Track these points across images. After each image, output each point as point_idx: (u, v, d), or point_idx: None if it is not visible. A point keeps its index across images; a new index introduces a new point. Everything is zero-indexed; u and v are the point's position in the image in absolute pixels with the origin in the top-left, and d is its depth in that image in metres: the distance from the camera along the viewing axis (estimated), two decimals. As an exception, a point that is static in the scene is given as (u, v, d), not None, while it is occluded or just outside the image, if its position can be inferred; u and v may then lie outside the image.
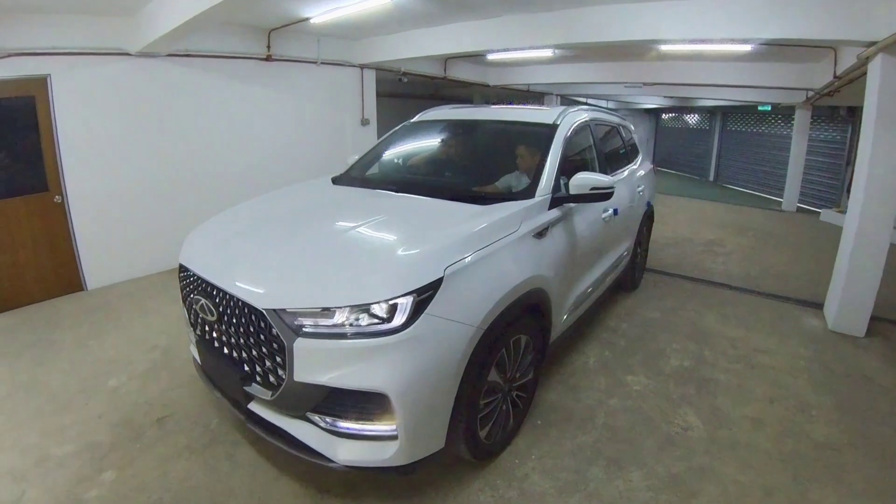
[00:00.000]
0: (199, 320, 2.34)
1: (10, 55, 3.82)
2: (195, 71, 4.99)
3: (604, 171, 3.58)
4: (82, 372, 3.31)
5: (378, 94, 7.22)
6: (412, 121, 3.83)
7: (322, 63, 6.19)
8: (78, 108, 4.28)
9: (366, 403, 1.89)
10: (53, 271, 4.37)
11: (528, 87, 9.71)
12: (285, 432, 2.06)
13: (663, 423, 2.79)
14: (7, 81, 3.91)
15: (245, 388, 2.13)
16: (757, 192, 12.56)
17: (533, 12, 4.82)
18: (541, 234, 2.58)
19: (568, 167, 3.00)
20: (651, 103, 14.36)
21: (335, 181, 3.31)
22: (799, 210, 9.84)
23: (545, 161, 2.87)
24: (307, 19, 4.96)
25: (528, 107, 3.60)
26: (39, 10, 3.83)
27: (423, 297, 1.89)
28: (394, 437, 1.91)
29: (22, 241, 4.16)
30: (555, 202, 2.75)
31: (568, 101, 12.03)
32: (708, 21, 4.08)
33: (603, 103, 14.30)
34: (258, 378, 2.09)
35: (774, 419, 2.84)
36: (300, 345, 1.86)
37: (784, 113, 11.06)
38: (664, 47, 5.65)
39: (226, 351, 2.22)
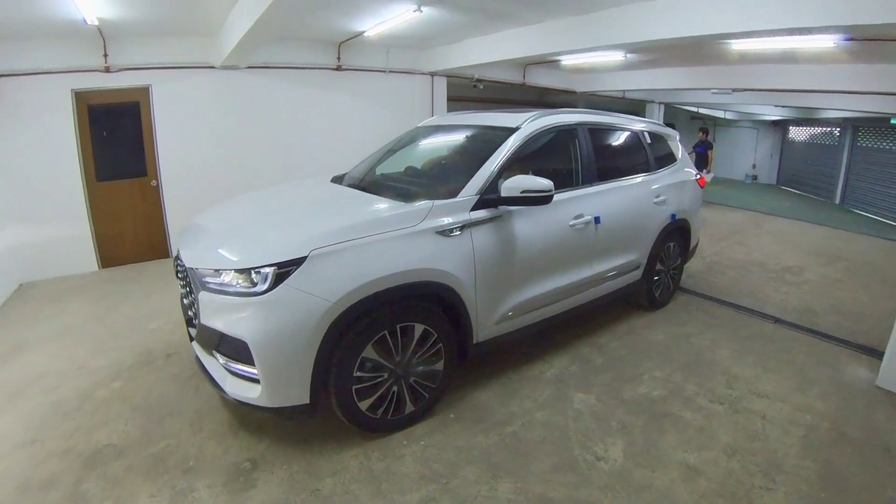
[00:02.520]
0: None
1: (121, 70, 5.04)
2: (271, 80, 5.89)
3: (588, 177, 3.43)
4: (138, 315, 4.30)
5: (469, 100, 7.48)
6: (418, 125, 4.05)
7: (391, 72, 6.73)
8: (172, 111, 5.40)
9: (239, 348, 2.25)
10: (147, 240, 5.56)
11: (623, 93, 9.15)
12: (203, 365, 2.57)
13: (578, 447, 2.57)
14: (120, 90, 5.15)
15: (189, 328, 2.72)
16: (886, 218, 10.23)
17: (586, 13, 4.65)
18: (450, 231, 2.63)
19: (527, 170, 3.00)
20: (774, 114, 12.35)
21: (333, 179, 3.65)
22: (925, 242, 7.73)
23: (483, 163, 2.90)
24: (362, 33, 5.49)
25: (511, 111, 3.56)
26: (143, 33, 4.94)
27: (284, 270, 2.21)
28: (258, 381, 2.25)
29: (125, 214, 5.39)
30: (483, 203, 2.76)
31: (672, 109, 10.98)
32: (770, 9, 3.53)
33: (720, 113, 12.71)
34: (193, 321, 2.61)
35: (719, 474, 2.39)
36: (203, 296, 2.36)
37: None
38: (737, 47, 4.99)
39: (183, 299, 2.84)
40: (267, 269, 2.20)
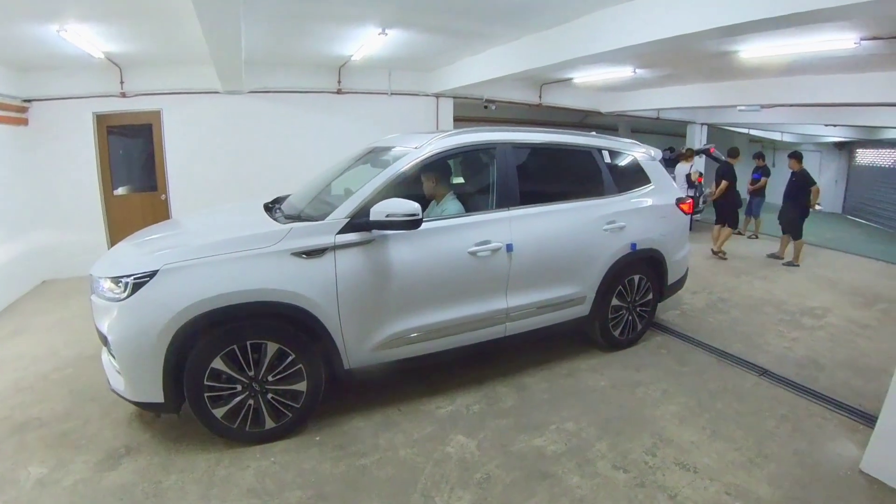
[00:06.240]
0: None
1: (136, 95, 5.67)
2: (272, 104, 6.29)
3: (505, 200, 3.17)
4: None
5: (482, 121, 7.45)
6: (369, 146, 3.93)
7: (393, 94, 6.84)
8: (181, 132, 5.95)
9: (109, 344, 2.48)
10: (154, 248, 6.09)
11: (657, 114, 8.44)
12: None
13: (419, 494, 2.32)
14: (135, 113, 5.79)
15: None
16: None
17: (561, 24, 4.36)
18: (309, 254, 2.58)
19: (444, 192, 3.06)
20: (834, 135, 10.68)
21: (275, 199, 3.63)
22: None
23: (362, 186, 2.81)
24: (350, 57, 5.67)
25: (431, 133, 3.38)
26: (154, 62, 5.51)
27: (139, 280, 2.41)
28: (120, 373, 2.50)
29: (136, 224, 5.73)
30: (353, 227, 2.67)
31: (724, 131, 9.90)
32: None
33: (777, 135, 11.21)
34: None
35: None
36: (93, 298, 2.61)
37: None
38: (745, 55, 4.41)
39: None
40: (127, 279, 2.43)
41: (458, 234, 2.96)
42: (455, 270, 2.95)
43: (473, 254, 2.97)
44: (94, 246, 5.79)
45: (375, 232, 2.70)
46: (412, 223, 2.60)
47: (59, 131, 5.52)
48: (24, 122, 5.38)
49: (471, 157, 3.19)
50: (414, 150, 2.99)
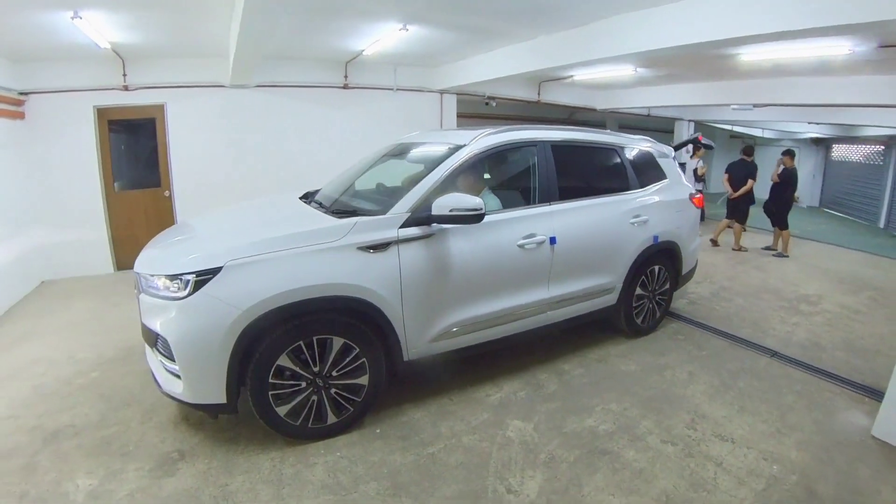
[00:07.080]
0: None
1: (139, 88, 5.50)
2: (279, 98, 6.20)
3: (546, 195, 3.31)
4: (132, 314, 4.41)
5: (483, 118, 7.57)
6: (396, 142, 3.98)
7: (399, 90, 6.85)
8: (185, 127, 5.79)
9: (166, 345, 2.42)
10: (157, 245, 5.92)
11: (648, 111, 8.78)
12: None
13: (493, 477, 2.43)
14: (137, 107, 5.59)
15: None
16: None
17: (578, 26, 4.52)
18: (375, 248, 2.62)
19: (480, 188, 3.06)
20: (812, 132, 11.49)
21: (306, 194, 3.66)
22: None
23: (420, 181, 2.88)
24: (362, 52, 5.66)
25: (469, 129, 3.48)
26: (159, 55, 5.36)
27: (202, 278, 2.35)
28: (179, 376, 2.43)
29: (139, 221, 5.79)
30: (415, 221, 2.73)
31: (707, 128, 10.40)
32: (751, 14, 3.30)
33: (758, 132, 11.89)
34: None
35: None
36: (143, 297, 2.56)
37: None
38: (746, 57, 4.68)
39: None
40: (188, 276, 2.36)
41: (509, 227, 3.08)
42: (507, 262, 3.07)
43: (522, 246, 3.10)
44: (94, 245, 5.64)
45: (435, 226, 2.78)
46: (476, 217, 2.68)
47: (58, 125, 5.29)
48: (21, 115, 5.13)
49: (513, 154, 3.30)
50: (462, 146, 3.06)
